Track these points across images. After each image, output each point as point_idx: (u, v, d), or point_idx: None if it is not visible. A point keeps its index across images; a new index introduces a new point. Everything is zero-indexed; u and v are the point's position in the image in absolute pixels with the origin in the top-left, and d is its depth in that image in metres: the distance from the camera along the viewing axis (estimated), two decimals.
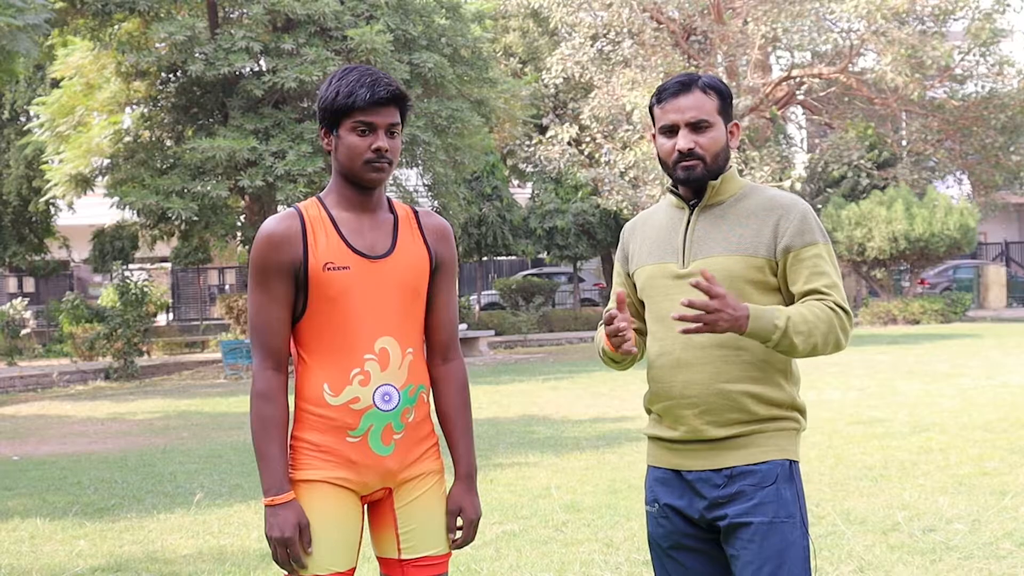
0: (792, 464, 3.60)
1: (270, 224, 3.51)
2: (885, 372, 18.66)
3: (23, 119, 32.52)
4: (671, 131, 3.63)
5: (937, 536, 7.40)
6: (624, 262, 3.89)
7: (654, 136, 3.71)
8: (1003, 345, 24.46)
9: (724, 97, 3.66)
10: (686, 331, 3.40)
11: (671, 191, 3.77)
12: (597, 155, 34.54)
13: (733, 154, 3.74)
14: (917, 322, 33.93)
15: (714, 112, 3.62)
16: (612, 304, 3.65)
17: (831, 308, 3.50)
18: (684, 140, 3.60)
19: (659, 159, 3.71)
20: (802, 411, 3.67)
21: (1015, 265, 45.64)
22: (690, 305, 3.36)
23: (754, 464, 3.55)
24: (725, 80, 4.33)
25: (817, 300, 3.52)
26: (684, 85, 3.64)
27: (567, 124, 34.72)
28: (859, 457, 10.31)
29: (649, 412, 3.77)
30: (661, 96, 3.66)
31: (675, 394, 3.62)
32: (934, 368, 19.57)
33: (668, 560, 3.75)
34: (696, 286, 3.38)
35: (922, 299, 35.53)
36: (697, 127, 3.60)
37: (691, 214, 3.70)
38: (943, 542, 7.24)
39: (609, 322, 3.59)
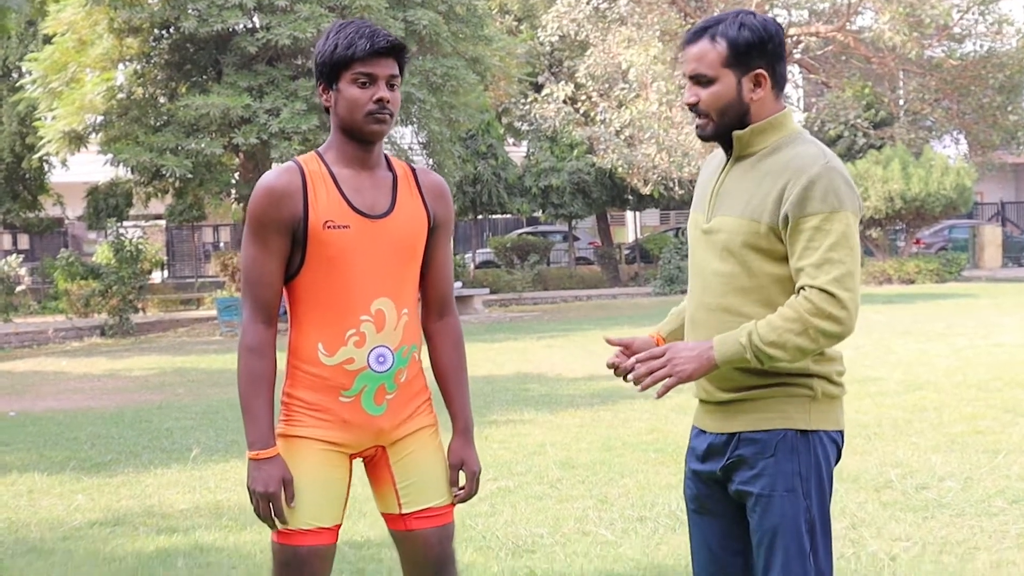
0: (801, 434, 3.41)
1: (270, 177, 3.47)
2: (880, 331, 18.70)
3: (15, 75, 32.36)
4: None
5: (929, 493, 7.44)
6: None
7: None
8: (998, 305, 24.49)
9: (736, 46, 3.38)
10: (661, 394, 3.39)
11: None
12: (592, 113, 34.46)
13: (769, 103, 3.45)
14: (912, 282, 33.96)
15: (717, 64, 3.39)
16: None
17: (805, 298, 3.26)
18: (687, 93, 3.47)
19: None
20: (823, 377, 3.44)
21: (1011, 225, 45.69)
22: (638, 361, 3.36)
23: (755, 431, 3.42)
24: None
25: (800, 288, 3.30)
26: (695, 33, 3.45)
27: (562, 82, 34.61)
28: (853, 415, 10.34)
29: None
30: (682, 45, 3.52)
31: None
32: (929, 327, 19.60)
33: (692, 525, 3.68)
34: (635, 374, 3.36)
35: (917, 259, 35.54)
36: (699, 81, 3.43)
37: (726, 164, 3.54)
38: (935, 499, 7.28)
39: (614, 368, 3.56)
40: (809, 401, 3.44)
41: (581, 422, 10.97)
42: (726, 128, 3.45)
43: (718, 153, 3.68)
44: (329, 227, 3.44)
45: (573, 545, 6.54)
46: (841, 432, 3.55)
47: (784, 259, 3.39)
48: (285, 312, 3.59)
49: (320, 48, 3.50)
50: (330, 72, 3.47)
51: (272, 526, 3.48)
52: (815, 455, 3.43)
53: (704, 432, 3.60)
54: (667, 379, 3.32)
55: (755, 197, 3.40)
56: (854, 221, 3.35)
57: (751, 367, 3.36)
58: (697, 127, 3.49)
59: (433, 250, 3.67)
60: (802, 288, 3.30)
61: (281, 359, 3.53)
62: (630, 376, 3.39)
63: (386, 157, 3.64)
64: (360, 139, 3.51)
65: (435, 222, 3.64)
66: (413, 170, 3.67)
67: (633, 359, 3.39)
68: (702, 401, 3.62)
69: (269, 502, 3.42)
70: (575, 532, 6.83)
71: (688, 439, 3.75)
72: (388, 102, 3.45)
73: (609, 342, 3.52)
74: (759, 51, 3.42)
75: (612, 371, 3.54)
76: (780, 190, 3.35)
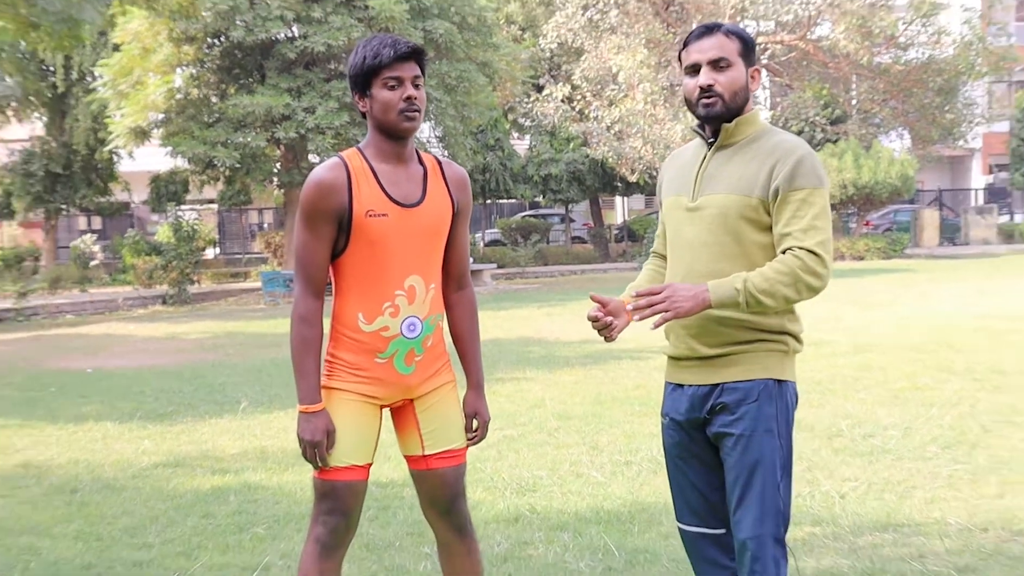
0: (778, 383, 3.47)
1: (320, 172, 3.46)
2: (833, 301, 18.64)
3: (89, 79, 32.34)
4: (694, 70, 3.47)
5: (874, 441, 7.47)
6: (659, 191, 3.77)
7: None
8: (935, 279, 24.45)
9: (746, 43, 3.48)
10: (657, 325, 3.33)
11: (695, 130, 3.60)
12: (586, 111, 34.31)
13: (750, 99, 3.54)
14: (862, 258, 33.89)
15: (735, 53, 3.44)
16: (593, 307, 3.54)
17: (795, 255, 3.30)
18: (704, 76, 3.44)
19: (685, 99, 3.54)
20: (794, 335, 3.50)
21: (947, 209, 45.45)
22: (638, 295, 3.32)
23: (739, 381, 3.44)
24: None
25: (786, 248, 3.34)
26: (708, 29, 3.48)
27: (560, 84, 34.44)
28: (809, 373, 10.35)
29: (666, 334, 3.65)
30: (688, 40, 3.52)
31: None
32: (875, 298, 19.58)
33: (675, 467, 3.68)
34: (635, 303, 3.31)
35: (866, 238, 35.45)
36: (717, 65, 3.43)
37: (707, 151, 3.54)
38: (879, 446, 7.31)
39: (593, 321, 3.52)
40: (783, 355, 3.50)
41: (576, 379, 10.99)
42: (730, 111, 3.47)
43: (687, 148, 3.72)
44: (370, 215, 3.44)
45: (568, 485, 6.59)
46: (796, 383, 3.60)
47: (768, 229, 3.43)
48: (329, 284, 3.60)
49: (352, 62, 3.50)
50: (363, 81, 3.47)
51: (316, 467, 3.52)
52: (786, 402, 3.48)
53: (682, 386, 3.59)
54: (665, 313, 3.28)
55: (744, 176, 3.43)
56: (828, 197, 3.42)
57: (735, 315, 3.40)
58: (704, 106, 3.46)
59: (455, 233, 3.68)
60: (789, 248, 3.33)
61: (325, 324, 3.55)
62: (629, 306, 3.34)
63: (416, 151, 3.63)
64: (395, 136, 3.50)
65: (458, 208, 3.65)
66: (439, 163, 3.65)
67: (627, 296, 3.36)
68: (679, 359, 3.59)
69: (315, 448, 3.46)
70: (570, 474, 6.87)
71: (664, 398, 3.73)
72: (416, 99, 3.45)
73: (592, 298, 3.52)
74: (754, 52, 3.53)
75: (592, 323, 3.54)
76: (770, 168, 3.39)
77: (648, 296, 3.30)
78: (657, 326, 3.34)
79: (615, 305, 3.59)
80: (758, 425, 3.43)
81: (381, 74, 3.44)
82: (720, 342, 3.47)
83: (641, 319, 3.33)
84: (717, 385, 3.49)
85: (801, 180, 3.36)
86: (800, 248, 3.31)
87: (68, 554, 5.49)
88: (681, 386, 3.60)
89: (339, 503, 3.53)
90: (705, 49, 3.45)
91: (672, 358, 3.65)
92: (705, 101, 3.45)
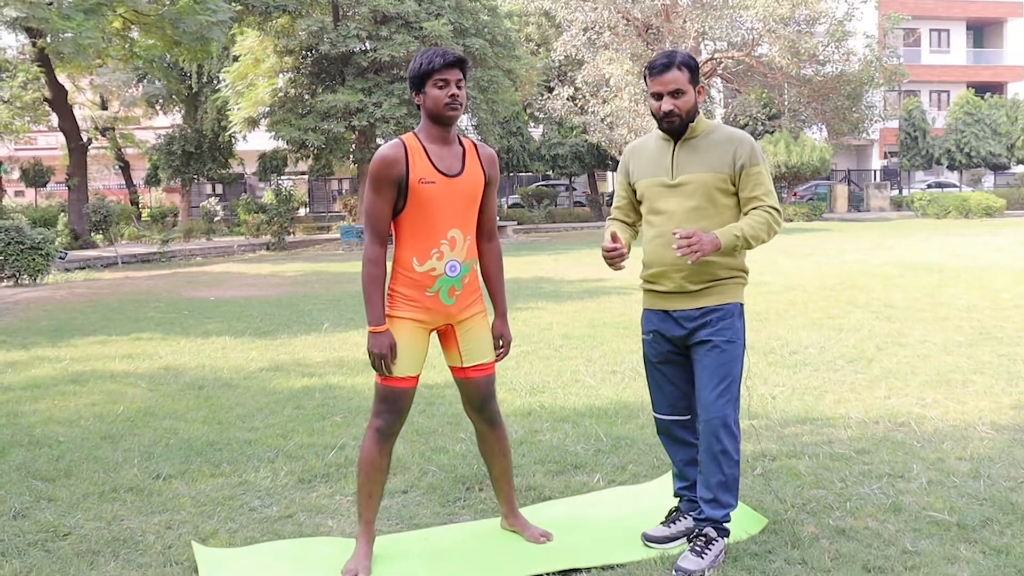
0: (741, 305, 3.59)
1: (384, 149, 3.42)
2: (768, 252, 18.55)
3: (215, 82, 32.33)
4: (658, 96, 3.53)
5: (798, 356, 7.44)
6: (626, 174, 3.76)
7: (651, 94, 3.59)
8: (845, 236, 24.32)
9: (693, 70, 3.53)
10: (694, 261, 3.38)
11: (662, 129, 3.62)
12: (586, 107, 34.06)
13: (700, 106, 3.64)
14: (791, 220, 33.69)
15: (685, 83, 3.51)
16: (608, 239, 3.56)
17: (765, 211, 3.48)
18: (667, 104, 3.52)
19: (652, 113, 3.59)
20: (747, 272, 3.64)
21: (853, 184, 45.13)
22: (681, 237, 3.34)
23: (718, 304, 3.53)
24: None
25: (756, 207, 3.50)
26: (666, 66, 3.51)
27: (566, 86, 34.27)
28: (751, 306, 10.27)
29: (645, 274, 3.68)
30: (652, 71, 3.54)
31: (667, 263, 3.56)
32: (800, 250, 19.47)
33: (656, 371, 3.71)
34: (679, 243, 3.34)
35: (794, 205, 35.36)
36: (674, 94, 3.51)
37: (675, 144, 3.60)
38: (801, 360, 7.28)
39: (611, 251, 3.53)
40: (743, 286, 3.63)
41: (576, 309, 10.95)
42: (686, 122, 3.56)
43: (646, 141, 3.75)
44: (422, 182, 3.40)
45: (569, 388, 6.57)
46: None
47: (732, 195, 3.54)
48: (391, 235, 3.56)
49: (412, 67, 3.46)
50: (419, 81, 3.43)
51: (382, 374, 3.48)
52: (744, 320, 3.60)
53: (669, 312, 3.62)
54: (698, 252, 3.34)
55: (714, 159, 3.52)
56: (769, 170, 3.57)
57: (717, 259, 3.50)
58: (667, 122, 3.55)
59: (486, 198, 3.62)
60: (758, 207, 3.50)
61: (388, 267, 3.51)
62: (675, 246, 3.37)
63: (458, 136, 3.58)
64: (441, 123, 3.45)
65: (488, 179, 3.59)
66: (475, 144, 3.61)
67: (674, 234, 3.38)
68: (669, 293, 3.61)
69: (381, 359, 3.43)
70: (570, 380, 6.86)
71: (644, 321, 3.73)
72: (458, 96, 3.42)
73: (612, 235, 3.57)
74: (698, 74, 3.58)
75: (607, 252, 3.54)
76: (732, 152, 3.51)
77: (686, 239, 3.36)
78: (694, 262, 3.41)
79: (624, 243, 3.64)
80: (732, 335, 3.53)
81: (433, 76, 3.40)
82: (704, 280, 3.56)
83: (683, 255, 3.37)
84: (701, 308, 3.56)
85: (756, 159, 3.53)
86: (767, 206, 3.51)
87: (197, 433, 5.51)
88: (668, 312, 3.63)
89: (394, 404, 3.50)
90: (666, 83, 3.52)
91: (661, 293, 3.66)
92: (668, 120, 3.55)
